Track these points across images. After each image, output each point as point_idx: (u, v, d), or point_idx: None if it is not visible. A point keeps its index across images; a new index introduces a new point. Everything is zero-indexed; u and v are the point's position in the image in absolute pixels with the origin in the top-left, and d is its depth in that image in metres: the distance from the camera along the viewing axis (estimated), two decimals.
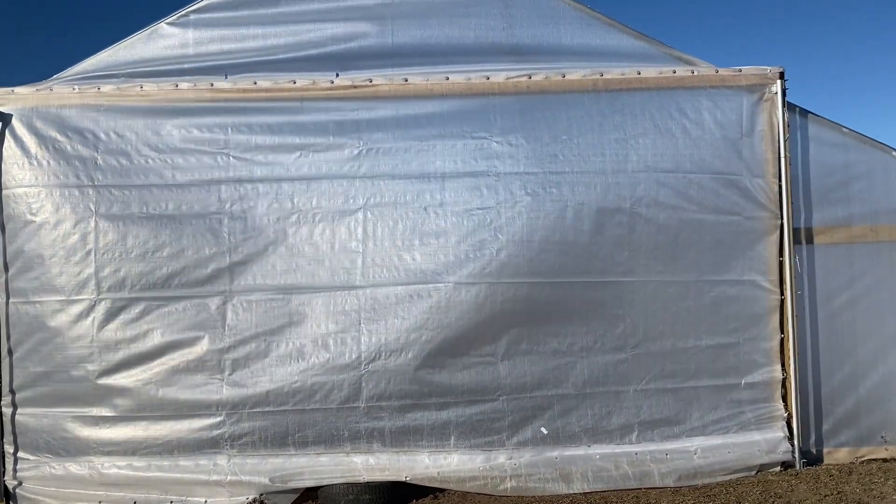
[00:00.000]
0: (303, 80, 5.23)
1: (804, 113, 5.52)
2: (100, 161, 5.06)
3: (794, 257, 5.37)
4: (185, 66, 5.28)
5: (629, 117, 5.30)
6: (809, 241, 5.48)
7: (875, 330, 5.49)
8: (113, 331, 5.00)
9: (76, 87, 5.17)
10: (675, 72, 5.39)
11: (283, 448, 5.02)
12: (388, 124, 5.19)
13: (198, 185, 5.07)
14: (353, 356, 5.03)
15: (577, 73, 5.35)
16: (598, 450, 5.17)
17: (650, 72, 5.38)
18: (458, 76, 5.31)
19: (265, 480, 4.89)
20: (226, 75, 5.25)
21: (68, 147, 5.08)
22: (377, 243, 5.05)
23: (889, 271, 5.51)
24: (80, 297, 5.01)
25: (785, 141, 5.37)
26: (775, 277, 5.36)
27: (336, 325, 5.02)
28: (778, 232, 5.34)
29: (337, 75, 5.29)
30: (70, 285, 5.01)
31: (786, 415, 5.33)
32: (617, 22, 5.47)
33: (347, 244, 5.05)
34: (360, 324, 5.04)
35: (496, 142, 5.21)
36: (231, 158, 5.10)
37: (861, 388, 5.49)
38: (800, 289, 5.40)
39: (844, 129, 5.56)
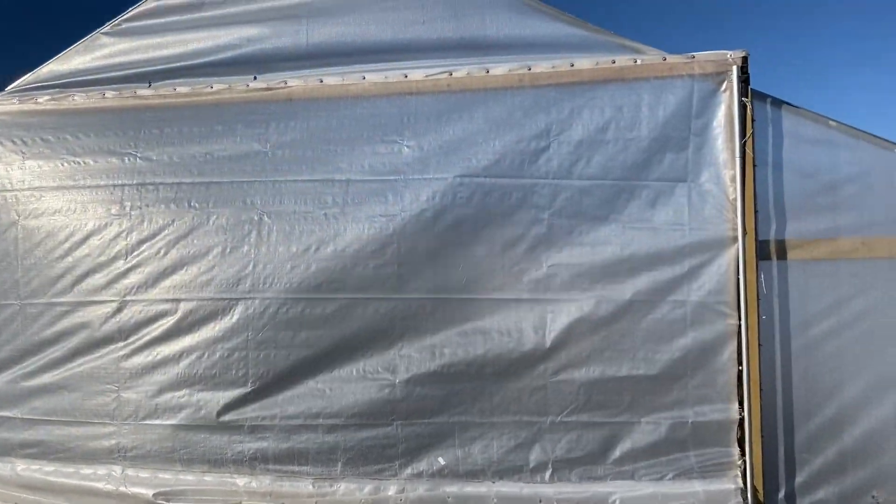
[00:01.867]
0: (219, 84, 5.12)
1: (777, 103, 4.64)
2: (24, 168, 5.22)
3: (759, 275, 4.53)
4: (117, 73, 5.33)
5: (555, 116, 4.70)
6: (781, 256, 4.58)
7: (867, 365, 4.49)
8: (35, 334, 5.14)
9: (16, 99, 5.38)
10: (614, 62, 4.71)
11: (170, 464, 4.90)
12: (298, 127, 4.94)
13: (105, 188, 5.08)
14: (242, 373, 4.83)
15: (502, 68, 4.82)
16: (503, 487, 4.60)
17: (585, 63, 4.74)
18: (376, 75, 4.96)
19: (149, 496, 4.80)
20: (149, 82, 5.26)
21: (5, 156, 5.29)
22: (271, 249, 4.81)
23: (886, 294, 4.49)
24: (8, 301, 5.19)
25: (747, 137, 4.54)
26: (733, 299, 4.53)
27: (226, 336, 4.84)
28: (738, 245, 4.52)
29: (255, 78, 5.13)
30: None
31: (741, 462, 4.48)
32: (551, 7, 4.88)
33: (240, 249, 4.84)
34: (247, 339, 4.82)
35: (407, 145, 4.80)
36: (138, 160, 5.07)
37: (847, 435, 4.51)
38: (766, 313, 4.53)
39: (832, 122, 4.61)
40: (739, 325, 4.49)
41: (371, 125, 4.86)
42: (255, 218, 4.85)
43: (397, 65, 4.96)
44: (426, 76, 4.89)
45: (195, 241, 4.90)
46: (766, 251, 4.57)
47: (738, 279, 4.49)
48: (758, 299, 4.50)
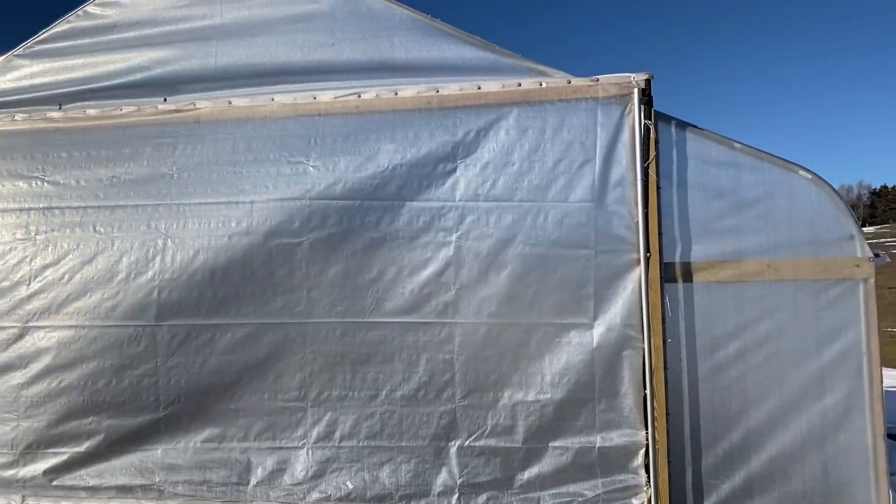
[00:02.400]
0: (129, 107, 5.07)
1: (682, 125, 4.64)
2: None
3: (664, 298, 4.50)
4: (29, 95, 5.27)
5: (461, 138, 4.68)
6: (687, 279, 4.56)
7: (773, 389, 4.46)
8: None
9: None
10: (520, 84, 4.70)
11: (75, 492, 4.81)
12: (205, 150, 4.89)
13: (11, 212, 5.00)
14: (152, 398, 4.75)
15: (411, 90, 4.80)
16: None
17: (492, 85, 4.73)
18: (284, 97, 4.93)
19: None
20: (60, 105, 5.20)
21: None
22: (175, 276, 4.73)
23: (792, 317, 4.47)
24: None
25: (651, 160, 4.53)
26: (639, 322, 4.49)
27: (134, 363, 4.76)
28: (642, 268, 4.49)
29: (165, 100, 5.08)
30: None
31: (648, 489, 4.43)
32: (460, 31, 4.87)
33: (144, 275, 4.76)
34: (156, 365, 4.74)
35: (313, 166, 4.76)
36: (45, 184, 5.00)
37: (755, 460, 4.47)
38: (671, 336, 4.49)
39: (736, 144, 4.60)
40: (645, 349, 4.46)
41: (278, 146, 4.82)
42: (160, 242, 4.78)
43: (306, 86, 4.94)
44: (335, 98, 4.86)
45: (100, 267, 4.82)
46: (672, 274, 4.55)
47: (645, 301, 4.46)
48: (663, 322, 4.47)
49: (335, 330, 4.65)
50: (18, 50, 5.34)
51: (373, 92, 4.84)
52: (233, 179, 4.81)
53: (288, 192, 4.73)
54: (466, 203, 4.61)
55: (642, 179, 4.51)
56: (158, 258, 4.76)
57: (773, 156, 4.57)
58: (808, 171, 4.52)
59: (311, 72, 4.95)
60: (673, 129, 4.63)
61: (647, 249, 4.50)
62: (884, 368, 4.50)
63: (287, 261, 4.66)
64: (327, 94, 4.87)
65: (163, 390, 4.79)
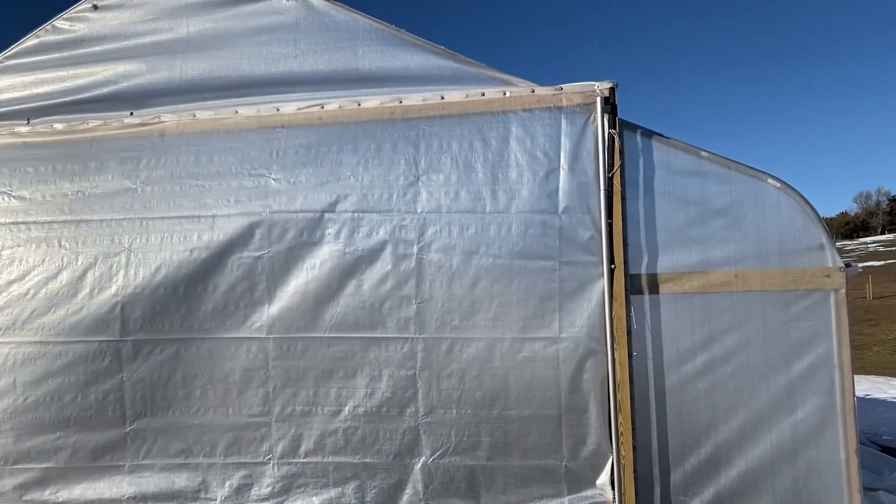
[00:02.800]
0: (95, 121, 5.07)
1: (648, 134, 4.55)
2: None
3: (630, 310, 4.41)
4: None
5: (424, 150, 4.63)
6: (653, 290, 4.46)
7: (742, 402, 4.35)
8: None
9: None
10: (483, 94, 4.64)
11: None
12: (169, 163, 4.87)
13: None
14: (118, 414, 4.74)
15: (374, 101, 4.76)
16: None
17: (455, 95, 4.68)
18: (248, 109, 4.90)
19: None
20: (28, 119, 5.20)
21: None
22: (138, 291, 4.70)
23: (760, 328, 4.36)
24: None
25: (615, 169, 4.45)
26: (603, 335, 4.40)
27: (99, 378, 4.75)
28: (606, 279, 4.40)
29: (131, 114, 5.08)
30: None
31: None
32: (424, 41, 4.82)
33: (108, 290, 4.74)
34: (122, 380, 4.72)
35: (274, 179, 4.72)
36: (12, 199, 5.00)
37: (724, 475, 4.36)
38: (637, 349, 4.40)
39: (703, 153, 4.51)
40: (610, 362, 4.37)
41: (240, 159, 4.79)
42: (123, 258, 4.76)
43: (270, 98, 4.92)
44: (298, 109, 4.83)
45: (63, 282, 4.81)
46: (638, 285, 4.46)
47: (608, 313, 4.38)
48: (629, 335, 4.38)
49: (297, 345, 4.60)
50: None
51: (336, 103, 4.80)
52: (195, 193, 4.78)
53: (249, 206, 4.69)
54: (428, 214, 4.55)
55: (607, 189, 4.43)
56: (122, 273, 4.74)
57: (740, 164, 4.46)
58: (776, 179, 4.42)
59: (275, 83, 4.93)
60: (639, 137, 4.55)
61: (612, 261, 4.42)
62: (885, 378, 4.38)
63: (248, 275, 4.62)
64: (291, 106, 4.84)
65: (129, 405, 4.76)
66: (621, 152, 4.49)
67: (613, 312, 4.39)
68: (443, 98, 4.68)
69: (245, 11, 5.00)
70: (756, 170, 4.45)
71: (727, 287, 4.40)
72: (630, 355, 4.38)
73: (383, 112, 4.73)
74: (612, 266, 4.41)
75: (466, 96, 4.66)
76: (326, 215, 4.61)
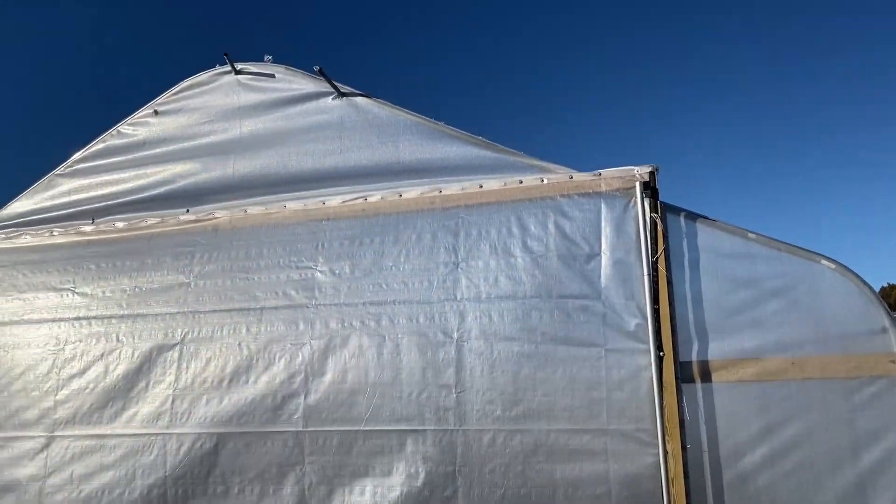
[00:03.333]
0: (153, 218, 5.32)
1: (692, 216, 4.45)
2: None
3: (682, 400, 4.21)
4: (67, 211, 5.63)
5: (463, 237, 4.64)
6: (706, 378, 4.26)
7: (807, 499, 4.03)
8: None
9: None
10: (521, 182, 4.67)
11: None
12: (221, 257, 5.05)
13: (44, 323, 5.24)
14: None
15: (415, 192, 4.85)
16: None
17: (494, 184, 4.72)
18: (296, 203, 5.07)
19: None
20: (93, 219, 5.50)
21: None
22: (188, 384, 4.80)
23: (823, 418, 4.08)
24: None
25: (659, 254, 4.34)
26: (655, 427, 4.20)
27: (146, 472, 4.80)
28: (655, 367, 4.24)
29: (187, 211, 5.31)
30: None
31: None
32: (462, 132, 4.92)
33: (161, 384, 4.85)
34: (165, 476, 4.75)
35: (320, 271, 4.81)
36: (75, 296, 5.24)
37: None
38: (691, 442, 4.18)
39: (750, 235, 4.36)
40: (662, 456, 4.15)
41: (287, 252, 4.91)
42: (176, 351, 4.88)
43: (317, 192, 5.07)
44: (342, 202, 4.96)
45: (119, 376, 4.95)
46: (689, 373, 4.27)
47: (658, 403, 4.19)
48: (681, 427, 4.17)
49: (332, 438, 4.55)
50: (59, 169, 5.75)
51: (378, 195, 4.91)
52: (245, 286, 4.91)
53: (295, 297, 4.78)
54: (468, 302, 4.52)
55: (651, 274, 4.32)
56: (174, 367, 4.86)
57: (791, 245, 4.30)
58: (830, 259, 4.22)
59: (321, 178, 5.09)
60: (682, 220, 4.45)
61: (661, 348, 4.26)
62: None
63: (288, 366, 4.66)
64: (336, 199, 4.98)
65: (171, 501, 4.77)
66: (665, 236, 4.39)
67: (664, 402, 4.20)
68: (481, 186, 4.73)
69: (294, 112, 5.23)
70: (808, 251, 4.27)
71: (784, 375, 4.17)
72: (684, 448, 4.16)
73: (423, 202, 4.80)
74: (661, 353, 4.25)
75: (504, 184, 4.69)
76: (368, 306, 4.64)
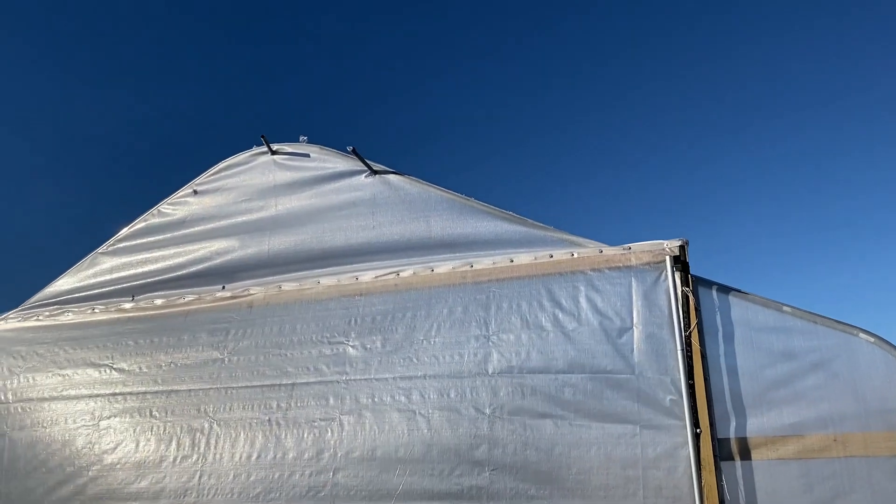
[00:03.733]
0: (191, 295, 5.44)
1: (724, 289, 4.42)
2: (19, 381, 5.58)
3: (721, 478, 4.09)
4: (109, 289, 5.78)
5: (494, 311, 4.66)
6: (745, 456, 4.14)
7: None
8: None
9: (20, 316, 5.87)
10: (551, 256, 4.70)
11: None
12: (255, 333, 5.12)
13: (82, 399, 5.32)
14: None
15: (446, 266, 4.90)
16: None
17: (524, 258, 4.75)
18: (329, 279, 5.15)
19: None
20: (132, 296, 5.64)
21: (1, 370, 5.69)
22: (217, 459, 4.79)
23: (868, 498, 3.92)
24: None
25: (692, 328, 4.30)
26: None
27: None
28: (693, 445, 4.14)
29: (223, 288, 5.42)
30: None
31: None
32: (492, 207, 5.00)
33: (189, 458, 4.85)
34: None
35: (351, 346, 4.84)
36: (113, 372, 5.32)
37: None
38: None
39: (785, 308, 4.31)
40: None
41: (320, 327, 4.96)
42: (206, 426, 4.91)
43: (350, 268, 5.15)
44: (375, 277, 5.02)
45: (151, 451, 4.98)
46: (728, 451, 4.16)
47: (696, 483, 4.07)
48: None
49: None
50: (102, 248, 5.94)
51: (410, 270, 4.97)
52: (277, 361, 4.96)
53: (327, 373, 4.80)
54: (500, 377, 4.50)
55: (684, 349, 4.27)
56: (203, 442, 4.87)
57: (827, 318, 4.23)
58: (869, 333, 4.13)
59: (354, 254, 5.18)
60: (714, 294, 4.42)
61: (697, 424, 4.16)
62: None
63: (317, 441, 4.64)
64: (368, 275, 5.05)
65: None
66: (697, 310, 4.36)
67: (703, 481, 4.07)
68: (512, 261, 4.76)
69: (327, 189, 5.37)
70: (845, 323, 4.19)
71: (827, 452, 4.03)
72: None
73: (455, 277, 4.85)
74: (698, 430, 4.15)
75: (535, 258, 4.72)
76: (399, 380, 4.64)
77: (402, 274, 4.98)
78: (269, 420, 4.79)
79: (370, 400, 4.65)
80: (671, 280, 4.36)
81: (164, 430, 5.00)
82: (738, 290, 4.42)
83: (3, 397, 5.63)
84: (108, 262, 5.85)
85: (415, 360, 4.68)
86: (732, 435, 4.19)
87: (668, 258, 4.40)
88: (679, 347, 4.25)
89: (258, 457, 4.72)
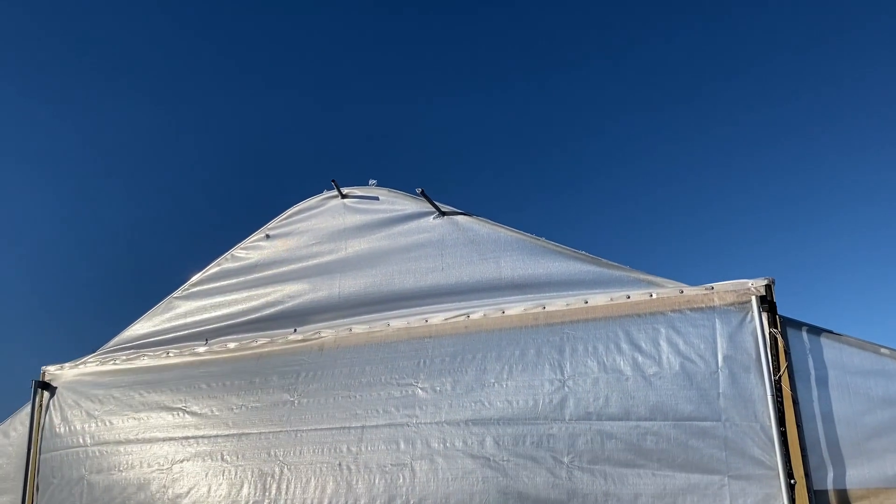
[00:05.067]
0: (263, 338, 5.46)
1: (815, 331, 4.16)
2: (97, 424, 5.68)
3: None
4: (183, 333, 5.86)
5: (569, 354, 4.50)
6: None
7: None
8: None
9: (98, 360, 6.00)
10: (629, 297, 4.52)
11: None
12: (325, 375, 5.09)
13: (156, 443, 5.36)
14: None
15: (517, 308, 4.78)
16: None
17: (599, 299, 4.59)
18: (399, 321, 5.09)
19: None
20: (206, 339, 5.70)
21: (81, 413, 5.80)
22: (287, 502, 4.73)
23: None
24: None
25: (782, 372, 4.05)
26: None
27: None
28: (787, 497, 3.86)
29: (294, 331, 5.43)
30: None
31: None
32: (565, 247, 4.87)
33: (260, 503, 4.80)
34: None
35: (421, 388, 4.75)
36: (186, 415, 5.36)
37: None
38: None
39: (883, 350, 4.02)
40: None
41: (389, 369, 4.90)
42: (277, 470, 4.86)
43: (419, 310, 5.09)
44: (445, 319, 4.94)
45: (223, 496, 4.96)
46: None
47: None
48: None
49: None
50: (177, 292, 6.04)
51: (481, 312, 4.87)
52: (347, 404, 4.90)
53: (396, 416, 4.72)
54: (577, 423, 4.32)
55: (774, 394, 4.02)
56: (274, 486, 4.83)
57: None
58: None
59: (423, 296, 5.12)
60: (805, 335, 4.16)
61: (791, 475, 3.89)
62: None
63: (388, 487, 4.54)
64: (438, 317, 4.97)
65: None
66: (787, 352, 4.11)
67: None
68: (586, 302, 4.61)
69: (396, 231, 5.34)
70: None
71: None
72: None
73: (527, 318, 4.72)
74: (792, 481, 3.88)
75: (611, 299, 4.56)
76: (471, 426, 4.51)
77: (472, 316, 4.88)
78: (340, 464, 4.71)
79: (441, 445, 4.53)
80: (758, 321, 4.13)
81: (236, 475, 4.98)
82: (831, 331, 4.15)
83: (81, 440, 5.73)
84: (183, 307, 5.94)
85: (486, 403, 4.55)
86: (830, 486, 3.89)
87: (753, 298, 4.18)
88: (769, 392, 4.00)
89: (329, 502, 4.64)
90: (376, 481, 4.58)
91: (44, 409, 6.04)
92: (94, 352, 6.23)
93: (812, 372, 4.09)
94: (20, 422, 6.18)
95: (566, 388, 4.42)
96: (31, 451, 5.92)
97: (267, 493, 4.83)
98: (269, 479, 4.87)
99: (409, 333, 5.00)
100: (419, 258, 5.21)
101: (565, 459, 4.28)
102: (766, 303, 4.20)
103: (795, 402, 4.03)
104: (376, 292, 5.27)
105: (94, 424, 5.73)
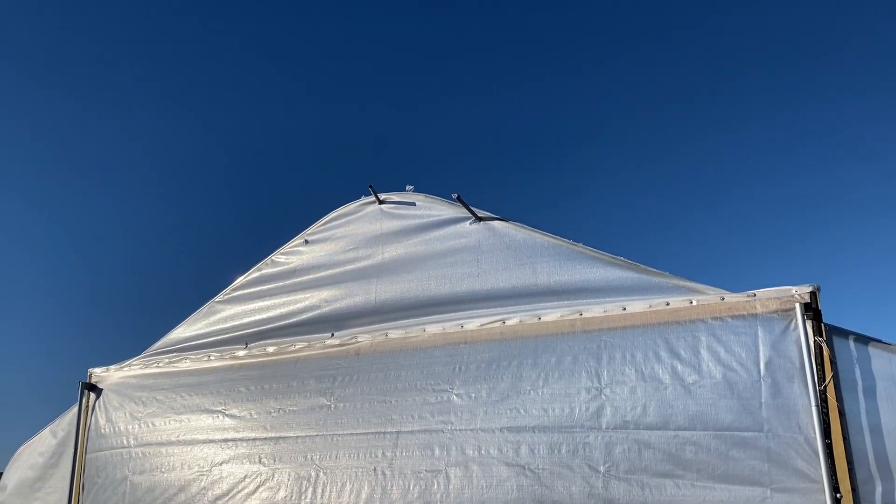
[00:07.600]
0: (301, 343, 5.50)
1: (863, 340, 4.02)
2: (140, 426, 5.79)
3: None
4: (224, 336, 5.94)
5: (606, 361, 4.42)
6: None
7: None
8: None
9: (142, 363, 6.13)
10: (668, 304, 4.43)
11: None
12: (361, 380, 5.10)
13: (196, 444, 5.45)
14: None
15: (554, 314, 4.72)
16: None
17: (638, 306, 4.51)
18: (434, 327, 5.07)
19: None
20: (246, 343, 5.77)
21: (125, 415, 5.93)
22: None
23: None
24: None
25: (827, 381, 3.92)
26: None
27: None
28: None
29: (332, 335, 5.46)
30: None
31: None
32: (602, 253, 4.79)
33: None
34: None
35: (456, 394, 4.72)
36: (225, 418, 5.42)
37: None
38: None
39: None
40: None
41: (425, 374, 4.89)
42: (313, 474, 4.89)
43: (454, 315, 5.06)
44: (480, 325, 4.91)
45: (261, 499, 5.01)
46: None
47: None
48: None
49: None
50: (219, 297, 6.13)
51: (516, 318, 4.83)
52: (382, 409, 4.91)
53: (431, 421, 4.71)
54: (614, 432, 4.24)
55: (819, 404, 3.89)
56: (310, 490, 4.86)
57: None
58: None
59: (459, 301, 5.10)
60: (851, 344, 4.03)
61: (837, 489, 3.76)
62: None
63: (423, 493, 4.52)
64: (474, 322, 4.95)
65: None
66: (832, 362, 3.98)
67: None
68: (624, 309, 4.53)
69: (432, 237, 5.34)
70: None
71: None
72: None
73: (563, 325, 4.66)
74: (839, 495, 3.75)
75: (650, 306, 4.47)
76: (505, 433, 4.47)
77: (508, 322, 4.84)
78: (375, 469, 4.72)
79: (476, 452, 4.50)
80: (802, 329, 4.00)
81: (273, 478, 5.03)
82: (879, 341, 4.01)
83: (125, 441, 5.85)
84: (224, 311, 6.03)
85: (522, 411, 4.51)
86: (879, 501, 3.75)
87: (797, 305, 4.05)
88: (813, 403, 3.87)
89: None
90: (411, 487, 4.58)
91: (90, 410, 6.18)
92: (138, 354, 6.36)
93: (859, 382, 3.96)
94: (67, 422, 6.34)
95: (603, 397, 4.35)
96: (77, 451, 6.07)
97: (303, 497, 4.86)
98: (304, 482, 4.90)
99: (445, 339, 4.98)
100: (455, 264, 5.19)
101: (601, 468, 4.21)
102: (811, 310, 4.07)
103: (842, 414, 3.90)
104: (412, 298, 5.26)
105: (137, 426, 5.85)
